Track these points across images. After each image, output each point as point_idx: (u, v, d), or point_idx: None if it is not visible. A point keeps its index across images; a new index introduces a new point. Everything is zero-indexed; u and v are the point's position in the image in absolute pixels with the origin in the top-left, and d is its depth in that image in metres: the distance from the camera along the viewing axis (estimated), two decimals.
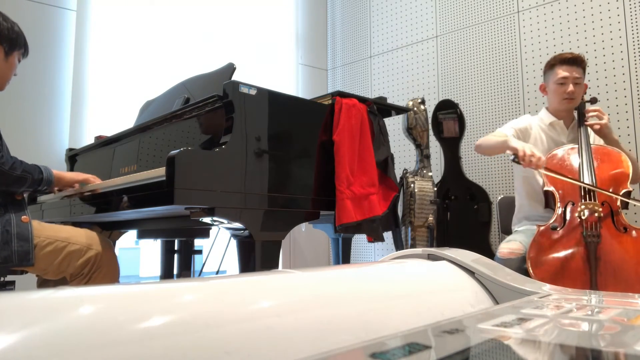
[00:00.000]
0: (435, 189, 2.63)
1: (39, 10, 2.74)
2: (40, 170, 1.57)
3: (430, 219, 2.56)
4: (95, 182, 1.75)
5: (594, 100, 2.14)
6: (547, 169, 1.83)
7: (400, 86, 3.64)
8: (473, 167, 3.16)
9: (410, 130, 2.74)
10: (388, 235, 2.79)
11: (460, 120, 2.98)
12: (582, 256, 1.70)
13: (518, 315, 0.62)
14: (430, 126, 2.87)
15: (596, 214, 1.72)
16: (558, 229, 1.80)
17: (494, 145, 2.01)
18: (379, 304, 0.71)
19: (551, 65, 2.09)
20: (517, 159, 1.82)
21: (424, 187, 2.60)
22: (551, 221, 1.83)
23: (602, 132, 1.97)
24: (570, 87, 2.02)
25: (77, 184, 1.74)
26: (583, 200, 1.78)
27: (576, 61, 2.04)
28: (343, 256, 2.22)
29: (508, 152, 1.91)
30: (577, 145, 1.95)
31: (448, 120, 2.99)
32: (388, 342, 0.48)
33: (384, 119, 2.05)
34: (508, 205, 2.39)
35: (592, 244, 1.68)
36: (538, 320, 0.58)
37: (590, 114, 1.97)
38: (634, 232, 1.70)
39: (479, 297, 0.88)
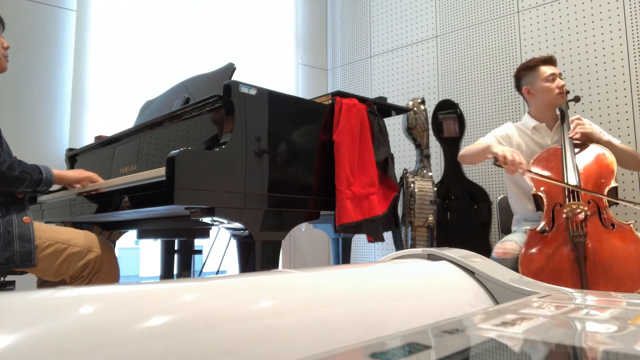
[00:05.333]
0: (435, 189, 2.63)
1: (39, 10, 2.74)
2: (40, 171, 1.55)
3: (430, 219, 2.56)
4: (98, 181, 1.75)
5: (577, 99, 2.15)
6: (531, 172, 1.84)
7: (400, 86, 3.64)
8: (473, 167, 3.16)
9: (410, 130, 2.74)
10: (388, 235, 2.79)
11: (460, 120, 2.98)
12: (570, 257, 1.69)
13: (518, 315, 0.62)
14: (430, 126, 2.87)
15: (582, 214, 1.72)
16: (547, 231, 1.80)
17: (476, 152, 2.05)
18: (379, 304, 0.71)
19: (531, 67, 2.12)
20: (499, 162, 1.85)
21: (424, 187, 2.60)
22: (541, 224, 1.84)
23: (589, 139, 1.96)
24: (561, 81, 2.07)
25: (80, 184, 1.73)
26: (568, 201, 1.78)
27: (552, 60, 2.12)
28: (343, 256, 2.22)
29: (489, 156, 1.93)
30: (560, 146, 1.95)
31: (448, 120, 2.98)
32: (388, 342, 0.48)
33: (384, 119, 2.05)
34: (508, 206, 2.38)
35: (580, 244, 1.67)
36: (538, 320, 0.58)
37: (572, 125, 1.98)
38: (622, 229, 1.69)
39: (479, 297, 0.88)
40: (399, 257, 1.07)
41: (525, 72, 2.14)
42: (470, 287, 0.90)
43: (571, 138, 1.95)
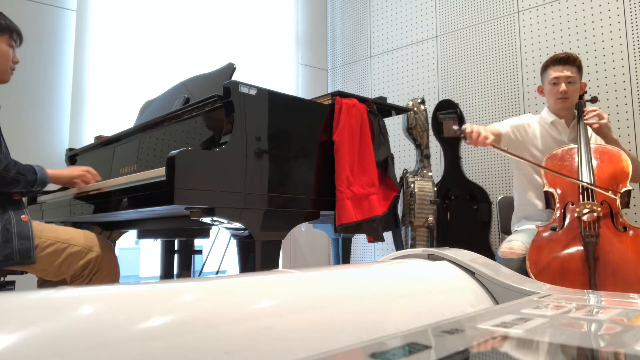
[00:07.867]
0: (435, 189, 2.63)
1: (39, 10, 2.74)
2: (34, 171, 1.55)
3: (430, 219, 2.56)
4: (94, 174, 1.75)
5: (594, 100, 2.13)
6: (493, 146, 1.89)
7: (400, 86, 3.64)
8: (473, 167, 3.16)
9: (410, 130, 2.74)
10: (388, 235, 2.79)
11: (460, 120, 2.98)
12: (580, 256, 1.69)
13: (518, 315, 0.62)
14: (430, 126, 2.87)
15: (595, 214, 1.71)
16: (557, 230, 1.79)
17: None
18: (379, 304, 0.71)
19: (545, 66, 2.12)
20: (465, 135, 1.91)
21: (424, 187, 2.60)
22: (551, 222, 1.83)
23: (602, 131, 1.96)
24: (563, 87, 2.03)
25: (76, 180, 1.72)
26: (582, 200, 1.77)
27: (568, 60, 2.05)
28: (343, 256, 2.22)
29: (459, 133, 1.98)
30: (576, 145, 1.95)
31: (448, 120, 2.99)
32: (388, 342, 0.48)
33: (384, 119, 2.04)
34: (508, 205, 2.39)
35: (591, 244, 1.67)
36: (538, 320, 0.58)
37: (590, 114, 1.97)
38: (634, 232, 1.69)
39: (479, 297, 0.88)
40: (399, 257, 1.07)
41: (541, 70, 2.16)
42: (470, 287, 0.90)
43: (585, 123, 1.96)
